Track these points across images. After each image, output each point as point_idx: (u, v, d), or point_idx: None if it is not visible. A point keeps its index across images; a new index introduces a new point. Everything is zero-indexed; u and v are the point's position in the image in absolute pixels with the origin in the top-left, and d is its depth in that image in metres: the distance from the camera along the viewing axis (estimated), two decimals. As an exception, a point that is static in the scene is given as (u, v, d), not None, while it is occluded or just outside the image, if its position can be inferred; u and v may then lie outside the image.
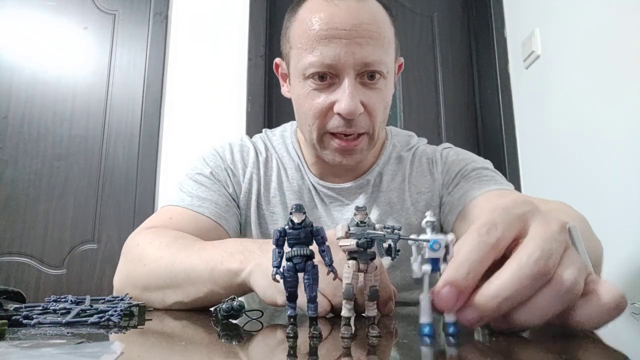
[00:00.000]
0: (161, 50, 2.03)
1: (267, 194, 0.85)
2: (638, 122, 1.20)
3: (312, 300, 0.34)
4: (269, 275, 0.34)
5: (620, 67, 1.28)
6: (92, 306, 0.47)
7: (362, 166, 0.86)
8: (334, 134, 0.74)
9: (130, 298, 0.55)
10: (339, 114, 0.71)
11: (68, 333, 0.38)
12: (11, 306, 0.48)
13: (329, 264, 0.34)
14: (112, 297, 0.55)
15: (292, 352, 0.31)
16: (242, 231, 0.86)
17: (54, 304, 0.48)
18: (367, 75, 0.72)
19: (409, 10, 2.23)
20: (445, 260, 0.33)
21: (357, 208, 0.35)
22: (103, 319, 0.43)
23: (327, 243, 0.35)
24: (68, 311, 0.45)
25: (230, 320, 0.44)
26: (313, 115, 0.74)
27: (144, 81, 2.01)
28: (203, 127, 1.94)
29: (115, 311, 0.45)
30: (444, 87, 2.16)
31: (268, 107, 2.02)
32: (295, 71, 0.76)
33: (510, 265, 0.32)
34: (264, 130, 0.94)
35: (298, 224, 0.34)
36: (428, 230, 0.34)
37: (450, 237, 0.33)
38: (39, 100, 1.97)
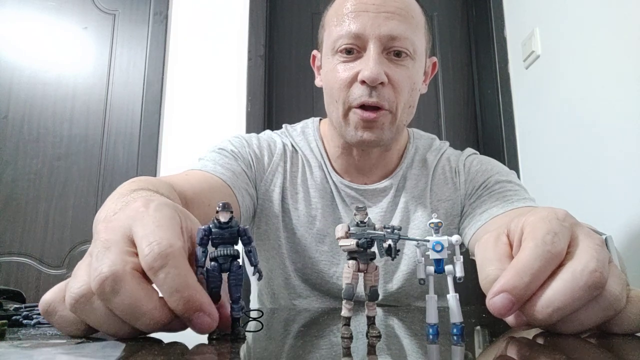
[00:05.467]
0: (161, 50, 2.03)
1: (292, 189, 0.84)
2: (638, 122, 1.20)
3: (236, 301, 0.33)
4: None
5: (620, 67, 1.28)
6: (92, 306, 0.47)
7: (386, 167, 0.85)
8: (358, 108, 0.74)
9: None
10: (363, 81, 0.72)
11: (68, 333, 0.37)
12: (11, 306, 0.48)
13: (255, 265, 0.34)
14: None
15: (213, 354, 0.30)
16: (257, 221, 0.84)
17: (54, 304, 0.48)
18: (393, 53, 0.74)
19: (409, 10, 2.22)
20: (451, 261, 0.33)
21: (357, 208, 0.34)
22: (103, 319, 0.43)
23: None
24: (68, 311, 0.45)
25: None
26: (339, 87, 0.74)
27: (144, 81, 2.01)
28: (203, 127, 1.94)
29: (115, 311, 0.44)
30: (444, 87, 2.16)
31: (268, 107, 2.02)
32: (326, 50, 0.78)
33: (564, 274, 0.31)
34: (284, 125, 0.92)
35: (224, 223, 0.33)
36: (433, 231, 0.34)
37: (455, 238, 0.33)
38: (39, 100, 1.97)
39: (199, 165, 0.78)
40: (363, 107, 0.73)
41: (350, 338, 0.32)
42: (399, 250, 0.34)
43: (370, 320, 0.34)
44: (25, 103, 1.96)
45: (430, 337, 0.33)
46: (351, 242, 0.33)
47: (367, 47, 0.72)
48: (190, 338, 0.34)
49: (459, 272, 0.33)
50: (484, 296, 0.33)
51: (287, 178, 0.84)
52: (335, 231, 0.34)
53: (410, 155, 0.87)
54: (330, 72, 0.76)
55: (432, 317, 0.33)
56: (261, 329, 0.39)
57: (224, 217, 0.33)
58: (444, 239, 0.33)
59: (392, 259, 0.34)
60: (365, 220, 0.34)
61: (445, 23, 2.23)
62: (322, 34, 0.81)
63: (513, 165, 1.87)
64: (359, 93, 0.73)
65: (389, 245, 0.33)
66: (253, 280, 1.01)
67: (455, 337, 0.33)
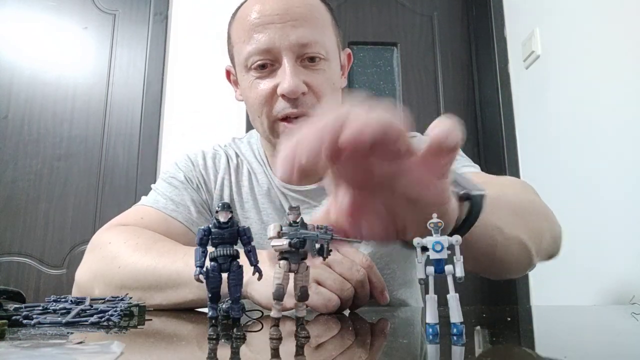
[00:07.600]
0: (161, 50, 2.03)
1: (240, 199, 0.84)
2: (638, 122, 1.20)
3: (235, 301, 0.33)
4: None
5: (620, 67, 1.28)
6: (92, 306, 0.47)
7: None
8: (283, 120, 0.73)
9: (130, 298, 0.55)
10: (283, 95, 0.71)
11: (68, 333, 0.37)
12: (11, 306, 0.48)
13: (255, 264, 0.34)
14: (112, 297, 0.55)
15: (213, 354, 0.30)
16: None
17: (54, 304, 0.48)
18: (307, 59, 0.73)
19: (408, 9, 2.23)
20: (451, 261, 0.33)
21: (290, 208, 0.34)
22: (103, 319, 0.43)
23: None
24: (68, 311, 0.45)
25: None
26: (259, 103, 0.74)
27: (144, 81, 2.01)
28: (203, 127, 1.94)
29: (115, 311, 0.45)
30: (443, 87, 2.16)
31: (268, 107, 2.02)
32: (239, 67, 0.77)
33: None
34: (232, 138, 0.94)
35: (224, 223, 0.33)
36: (433, 231, 0.34)
37: (456, 238, 0.33)
38: (39, 100, 1.97)
39: (151, 199, 0.80)
40: (288, 118, 0.73)
41: (280, 339, 0.32)
42: (330, 250, 0.34)
43: (300, 321, 0.33)
44: (25, 103, 1.96)
45: (430, 337, 0.33)
46: (283, 242, 0.32)
47: (281, 59, 0.71)
48: (189, 338, 0.34)
49: (459, 272, 0.33)
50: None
51: (233, 190, 0.84)
52: (267, 231, 0.34)
53: None
54: (249, 88, 0.75)
55: (432, 317, 0.33)
56: (261, 328, 0.39)
57: (223, 217, 0.33)
58: (443, 238, 0.33)
59: (324, 259, 0.34)
60: (297, 220, 0.34)
61: (445, 23, 2.23)
62: (232, 50, 0.80)
63: (513, 165, 1.87)
64: (282, 106, 0.72)
65: (321, 245, 0.33)
66: None
67: (455, 337, 0.32)
